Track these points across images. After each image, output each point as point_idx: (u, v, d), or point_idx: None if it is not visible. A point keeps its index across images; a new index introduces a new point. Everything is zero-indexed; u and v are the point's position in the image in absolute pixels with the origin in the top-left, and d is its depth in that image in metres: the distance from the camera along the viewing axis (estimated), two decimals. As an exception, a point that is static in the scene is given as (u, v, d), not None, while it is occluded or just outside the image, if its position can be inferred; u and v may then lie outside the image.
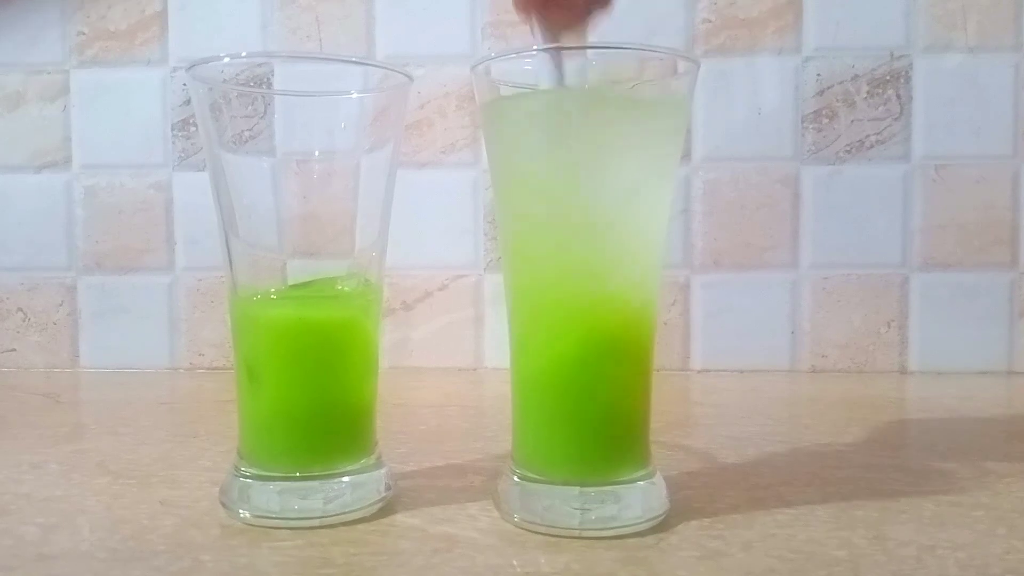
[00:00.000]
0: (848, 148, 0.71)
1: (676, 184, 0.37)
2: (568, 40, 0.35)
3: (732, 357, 0.72)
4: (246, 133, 0.37)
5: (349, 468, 0.36)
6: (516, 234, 0.35)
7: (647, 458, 0.36)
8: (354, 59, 0.42)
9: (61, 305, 0.75)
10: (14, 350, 0.76)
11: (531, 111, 0.34)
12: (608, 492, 0.34)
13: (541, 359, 0.35)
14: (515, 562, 0.31)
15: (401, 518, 0.36)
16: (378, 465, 0.38)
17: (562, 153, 0.33)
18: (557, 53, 0.33)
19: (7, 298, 0.75)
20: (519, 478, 0.35)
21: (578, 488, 0.34)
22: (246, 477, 0.36)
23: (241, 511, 0.35)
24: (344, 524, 0.34)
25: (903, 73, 0.70)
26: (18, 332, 0.75)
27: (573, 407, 0.34)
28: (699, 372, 0.72)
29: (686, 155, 0.71)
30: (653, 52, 0.36)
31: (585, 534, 0.33)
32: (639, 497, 0.34)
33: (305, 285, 0.37)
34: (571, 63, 0.34)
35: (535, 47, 0.34)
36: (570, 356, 0.34)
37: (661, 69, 0.36)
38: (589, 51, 0.35)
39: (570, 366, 0.34)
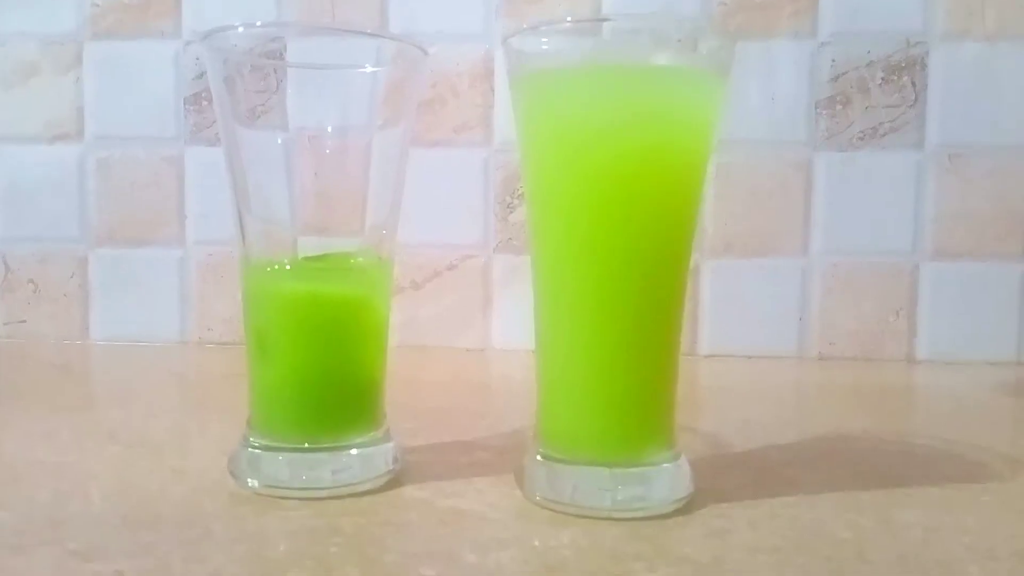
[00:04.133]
0: (862, 135, 0.71)
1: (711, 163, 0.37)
2: None
3: (740, 342, 0.72)
4: (259, 108, 0.37)
5: (358, 440, 0.36)
6: (546, 211, 0.35)
7: (673, 439, 0.35)
8: (368, 32, 0.42)
9: (72, 277, 0.76)
10: (25, 321, 0.76)
11: (567, 83, 0.34)
12: (636, 473, 0.34)
13: (571, 339, 0.35)
14: (536, 540, 0.31)
15: (409, 491, 0.36)
16: (386, 438, 0.38)
17: (599, 127, 0.33)
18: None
19: (19, 269, 0.76)
20: (543, 457, 0.35)
21: (607, 469, 0.34)
22: (255, 447, 0.36)
23: (250, 480, 0.35)
24: (352, 495, 0.35)
25: (919, 60, 0.70)
26: (29, 303, 0.76)
27: (604, 387, 0.34)
28: (707, 357, 0.72)
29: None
30: (692, 26, 0.36)
31: (615, 515, 0.33)
32: (666, 479, 0.34)
33: (318, 258, 0.37)
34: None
35: (568, 19, 0.34)
36: (600, 336, 0.34)
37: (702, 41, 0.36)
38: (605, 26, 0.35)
39: (600, 346, 0.34)
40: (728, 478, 0.38)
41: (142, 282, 0.75)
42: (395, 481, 0.37)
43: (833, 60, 0.70)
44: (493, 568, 0.28)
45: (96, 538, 0.31)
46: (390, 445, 0.38)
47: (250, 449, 0.36)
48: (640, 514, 0.33)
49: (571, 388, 0.35)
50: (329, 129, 0.38)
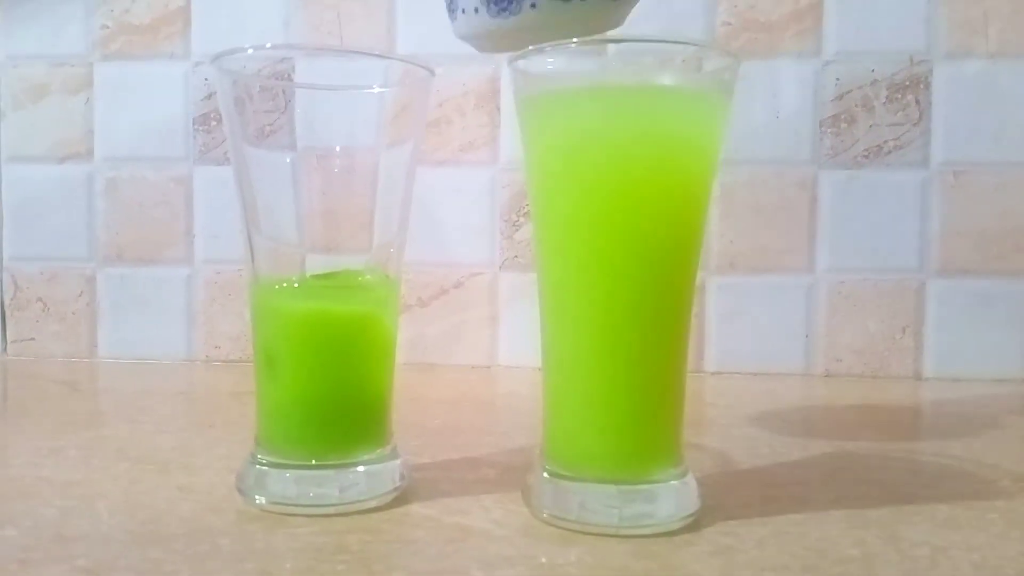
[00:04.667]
0: (866, 153, 0.71)
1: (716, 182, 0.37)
2: None
3: (746, 360, 0.72)
4: (268, 128, 0.37)
5: (364, 458, 0.36)
6: (552, 229, 0.35)
7: (680, 456, 0.35)
8: (376, 53, 0.43)
9: (80, 295, 0.76)
10: (33, 339, 0.76)
11: (572, 103, 0.34)
12: (643, 490, 0.34)
13: (577, 356, 0.35)
14: (543, 558, 0.31)
15: (415, 508, 0.36)
16: (393, 456, 0.38)
17: (604, 146, 0.33)
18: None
19: (27, 287, 0.76)
20: (550, 474, 0.35)
21: (614, 486, 0.34)
22: (263, 464, 0.36)
23: (257, 497, 0.35)
24: (359, 512, 0.35)
25: (923, 78, 0.70)
26: (37, 321, 0.76)
27: (611, 404, 0.34)
28: (713, 374, 0.72)
29: (703, 157, 0.71)
30: (696, 47, 0.36)
31: (622, 532, 0.33)
32: (673, 496, 0.34)
33: (326, 276, 0.37)
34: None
35: (574, 39, 0.34)
36: (607, 353, 0.34)
37: (707, 61, 0.36)
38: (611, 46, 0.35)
39: (606, 363, 0.34)
40: (735, 495, 0.38)
41: (150, 300, 0.75)
42: (402, 498, 0.37)
43: (837, 79, 0.71)
44: (500, 585, 0.28)
45: (104, 555, 0.31)
46: (397, 462, 0.38)
47: (257, 466, 0.36)
48: (647, 531, 0.33)
49: (578, 405, 0.35)
50: (337, 148, 0.39)
